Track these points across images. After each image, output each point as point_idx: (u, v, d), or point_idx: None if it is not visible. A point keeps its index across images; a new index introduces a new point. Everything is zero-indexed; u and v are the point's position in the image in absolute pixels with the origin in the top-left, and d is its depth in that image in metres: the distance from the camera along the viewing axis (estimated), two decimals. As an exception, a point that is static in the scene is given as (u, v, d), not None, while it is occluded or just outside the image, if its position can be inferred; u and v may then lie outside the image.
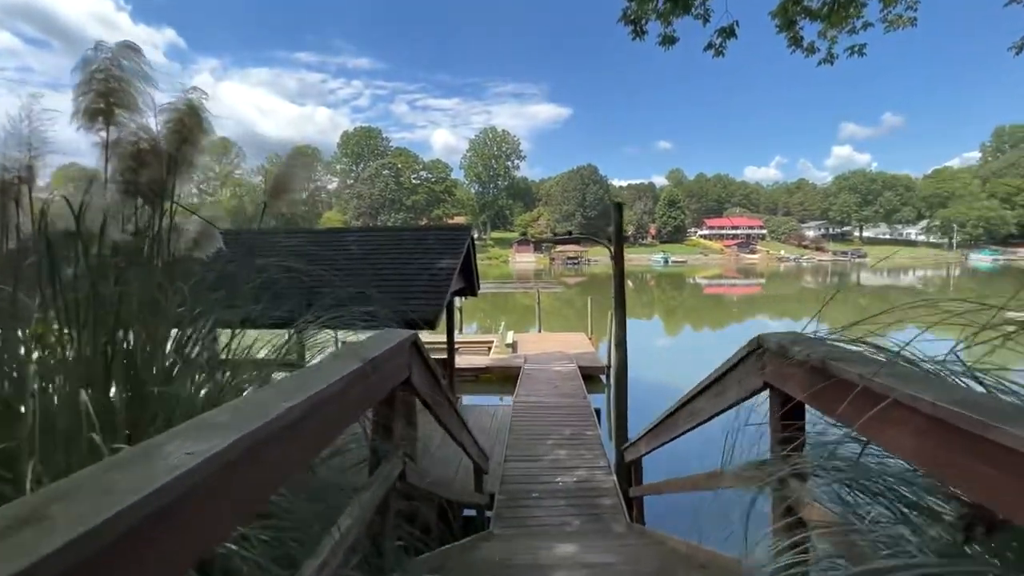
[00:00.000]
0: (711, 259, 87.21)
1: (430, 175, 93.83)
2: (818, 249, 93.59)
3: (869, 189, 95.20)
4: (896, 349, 1.41)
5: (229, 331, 2.48)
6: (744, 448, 2.01)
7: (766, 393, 1.82)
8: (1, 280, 1.69)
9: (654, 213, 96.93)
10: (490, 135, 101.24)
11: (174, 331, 2.08)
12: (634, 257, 69.74)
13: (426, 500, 2.55)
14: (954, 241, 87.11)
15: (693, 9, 6.64)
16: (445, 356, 9.36)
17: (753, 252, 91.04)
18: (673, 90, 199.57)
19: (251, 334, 2.39)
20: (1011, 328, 1.15)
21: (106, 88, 2.06)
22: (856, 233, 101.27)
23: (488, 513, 5.33)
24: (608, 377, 12.97)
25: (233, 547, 1.12)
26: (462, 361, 13.11)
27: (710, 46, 6.98)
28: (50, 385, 1.63)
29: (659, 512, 5.03)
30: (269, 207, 2.50)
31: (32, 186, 2.05)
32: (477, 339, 16.54)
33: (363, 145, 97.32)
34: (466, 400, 10.10)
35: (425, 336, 6.11)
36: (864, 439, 1.33)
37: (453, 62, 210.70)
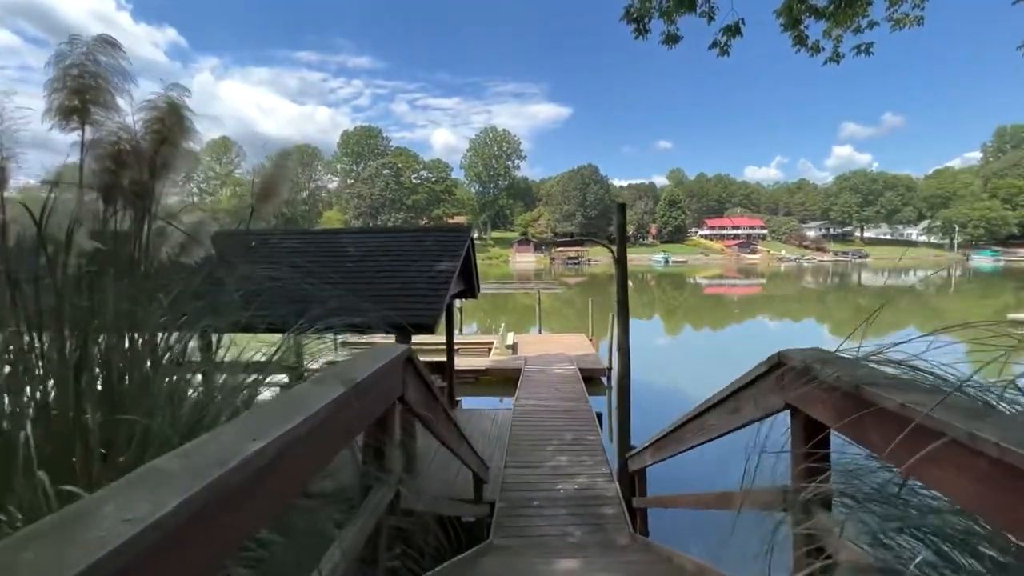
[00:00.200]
0: (712, 259, 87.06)
1: (430, 175, 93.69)
2: (819, 249, 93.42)
3: (870, 189, 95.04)
4: (935, 370, 1.28)
5: (221, 337, 2.37)
6: (759, 469, 1.89)
7: (786, 413, 1.69)
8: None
9: (655, 213, 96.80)
10: (490, 135, 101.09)
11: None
12: (634, 257, 69.54)
13: (424, 517, 2.42)
14: (955, 242, 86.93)
15: (698, 7, 6.52)
16: (444, 358, 9.25)
17: (754, 252, 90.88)
18: (673, 90, 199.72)
19: (245, 338, 2.27)
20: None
21: (81, 85, 1.94)
22: (857, 233, 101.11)
23: (489, 519, 5.21)
24: (609, 379, 12.85)
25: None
26: (462, 363, 12.98)
27: (715, 44, 6.86)
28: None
29: (664, 523, 4.90)
30: (257, 210, 2.37)
31: (4, 188, 1.93)
32: (477, 340, 16.42)
33: (363, 144, 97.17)
34: (466, 403, 9.98)
35: (424, 337, 6.02)
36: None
37: (453, 61, 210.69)
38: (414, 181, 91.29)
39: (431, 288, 5.92)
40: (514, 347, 15.08)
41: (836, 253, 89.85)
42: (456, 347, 13.78)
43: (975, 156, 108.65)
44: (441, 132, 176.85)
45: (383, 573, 1.71)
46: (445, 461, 6.05)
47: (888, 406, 1.08)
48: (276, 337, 2.24)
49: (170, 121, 1.96)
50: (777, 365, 1.65)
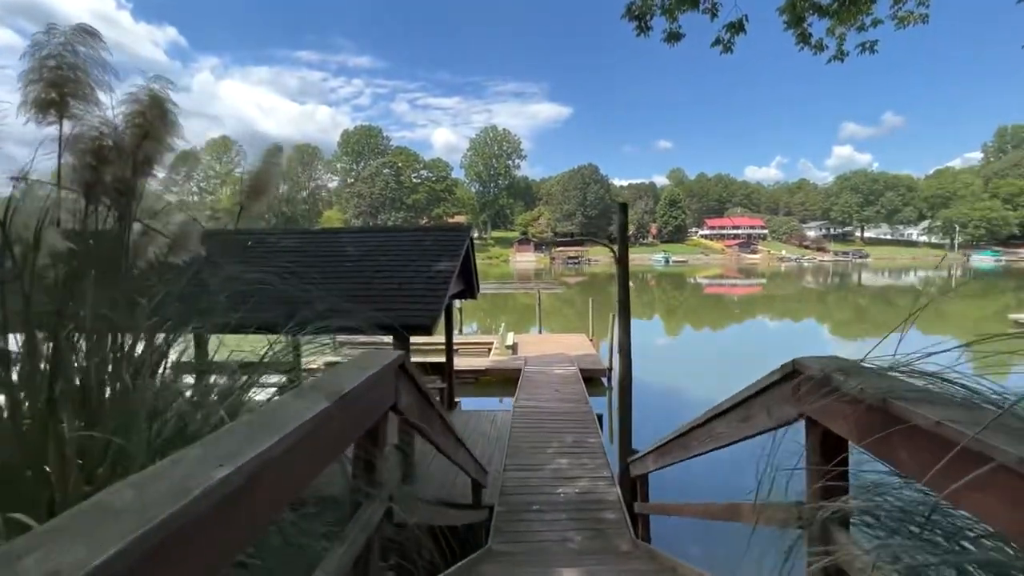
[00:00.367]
0: (712, 259, 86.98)
1: (430, 174, 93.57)
2: (819, 249, 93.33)
3: (871, 189, 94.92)
4: (966, 382, 1.19)
5: (207, 340, 2.28)
6: (769, 479, 1.80)
7: (800, 424, 1.60)
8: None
9: (655, 213, 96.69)
10: (491, 134, 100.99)
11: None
12: (635, 257, 69.10)
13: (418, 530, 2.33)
14: (956, 242, 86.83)
15: (700, 4, 6.44)
16: (443, 359, 9.16)
17: (754, 252, 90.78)
18: (674, 89, 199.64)
19: (234, 341, 2.18)
20: None
21: (58, 77, 1.84)
22: (857, 233, 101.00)
23: (488, 523, 5.12)
24: (609, 380, 12.77)
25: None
26: (461, 363, 12.90)
27: (718, 42, 6.78)
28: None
29: (667, 530, 4.82)
30: (247, 207, 2.28)
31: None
32: (477, 340, 16.33)
33: (364, 144, 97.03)
34: (465, 404, 9.88)
35: (423, 337, 5.92)
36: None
37: (454, 61, 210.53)
38: (414, 180, 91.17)
39: (429, 288, 5.82)
40: (514, 347, 14.99)
41: (836, 253, 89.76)
42: (456, 347, 13.70)
43: (976, 156, 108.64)
44: (441, 131, 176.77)
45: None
46: (443, 464, 5.96)
47: (921, 423, 0.99)
48: (271, 338, 2.15)
49: (152, 115, 1.87)
50: (792, 374, 1.55)
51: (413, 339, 5.99)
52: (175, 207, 2.66)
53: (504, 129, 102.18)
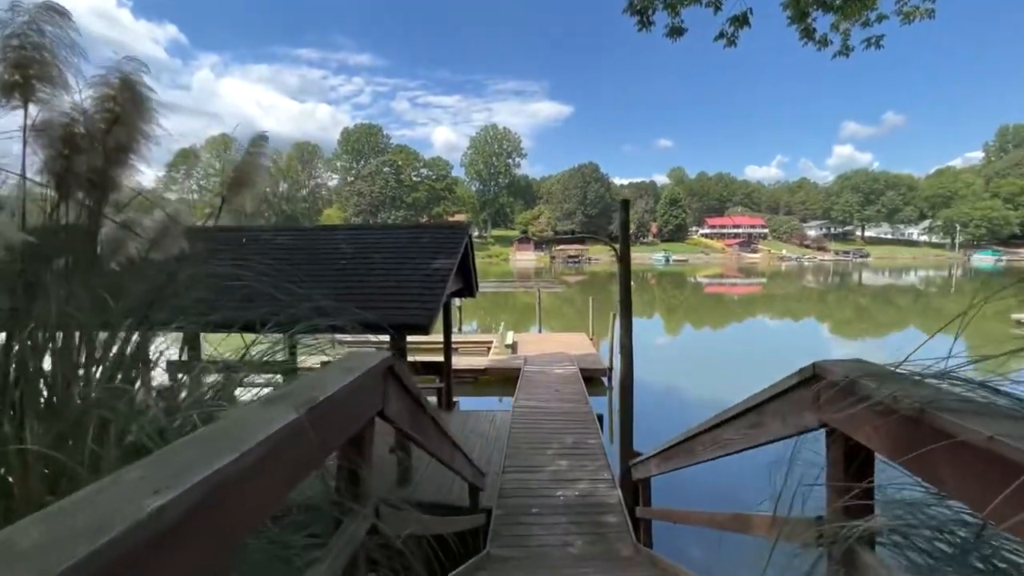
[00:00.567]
0: (712, 258, 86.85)
1: (431, 172, 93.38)
2: (820, 248, 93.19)
3: (871, 188, 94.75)
4: (1012, 391, 1.07)
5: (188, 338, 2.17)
6: (783, 490, 1.68)
7: (819, 433, 1.48)
8: None
9: (655, 211, 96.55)
10: (491, 133, 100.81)
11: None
12: (635, 256, 68.98)
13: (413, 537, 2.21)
14: (957, 241, 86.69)
15: (704, -3, 6.34)
16: (442, 358, 9.05)
17: (754, 251, 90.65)
18: (674, 88, 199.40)
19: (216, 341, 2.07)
20: None
21: (23, 57, 1.72)
22: (858, 233, 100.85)
23: (486, 527, 5.00)
24: (609, 379, 12.66)
25: None
26: (460, 362, 12.80)
27: (721, 35, 6.68)
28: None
29: (669, 535, 4.69)
30: (228, 201, 2.15)
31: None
32: (476, 339, 16.22)
33: (364, 142, 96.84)
34: (464, 404, 9.77)
35: (421, 336, 5.82)
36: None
37: (454, 59, 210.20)
38: (414, 179, 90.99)
39: (426, 287, 5.71)
40: (514, 346, 14.87)
41: (837, 252, 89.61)
42: (455, 346, 13.60)
43: (977, 156, 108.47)
44: (442, 130, 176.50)
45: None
46: (440, 466, 5.86)
47: (971, 439, 0.87)
48: (248, 338, 2.04)
49: (123, 98, 1.74)
50: (812, 378, 1.43)
51: (411, 338, 5.88)
52: (160, 201, 2.54)
53: (504, 128, 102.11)
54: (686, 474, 3.04)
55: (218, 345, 2.09)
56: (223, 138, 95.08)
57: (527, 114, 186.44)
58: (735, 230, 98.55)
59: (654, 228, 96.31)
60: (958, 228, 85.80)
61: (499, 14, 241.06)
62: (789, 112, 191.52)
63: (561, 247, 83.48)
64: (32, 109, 1.80)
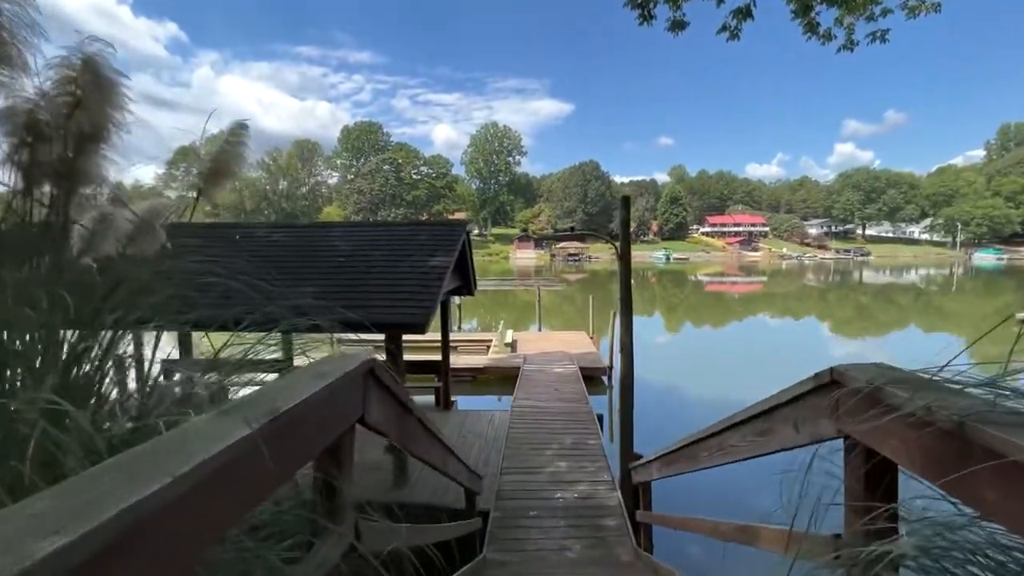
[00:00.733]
0: (713, 256, 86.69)
1: (431, 170, 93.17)
2: (820, 247, 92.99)
3: (872, 187, 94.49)
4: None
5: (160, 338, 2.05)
6: (791, 499, 1.57)
7: (835, 443, 1.36)
8: None
9: (656, 210, 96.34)
10: (491, 131, 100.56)
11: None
12: (636, 254, 68.38)
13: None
14: (958, 239, 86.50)
15: (707, -11, 6.22)
16: (440, 357, 8.94)
17: (755, 250, 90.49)
18: (675, 86, 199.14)
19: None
20: None
21: (-23, 37, 1.60)
22: (859, 231, 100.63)
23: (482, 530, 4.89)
24: (610, 378, 12.55)
25: None
26: (459, 361, 12.69)
27: (724, 28, 6.58)
28: None
29: (671, 540, 4.57)
30: (205, 193, 2.03)
31: None
32: (475, 338, 16.09)
33: (364, 140, 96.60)
34: (462, 403, 9.65)
35: (418, 335, 5.70)
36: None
37: (455, 57, 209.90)
38: (414, 177, 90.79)
39: (423, 285, 5.59)
40: (513, 345, 14.75)
41: (838, 251, 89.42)
42: (453, 344, 13.49)
43: (978, 154, 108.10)
44: (442, 128, 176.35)
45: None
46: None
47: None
48: (213, 340, 1.93)
49: (85, 81, 1.62)
50: (830, 384, 1.31)
51: (408, 336, 5.76)
52: (143, 194, 2.42)
53: (505, 126, 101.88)
54: (689, 476, 2.93)
55: (208, 344, 1.98)
56: (223, 136, 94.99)
57: (528, 112, 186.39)
58: (736, 228, 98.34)
59: (655, 226, 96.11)
60: (959, 227, 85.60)
61: (500, 11, 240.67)
62: (790, 110, 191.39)
63: (561, 245, 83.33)
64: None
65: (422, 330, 5.01)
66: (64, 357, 1.50)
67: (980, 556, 1.06)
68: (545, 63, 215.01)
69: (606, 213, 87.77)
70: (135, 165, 2.06)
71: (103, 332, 1.75)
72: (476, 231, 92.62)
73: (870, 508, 1.25)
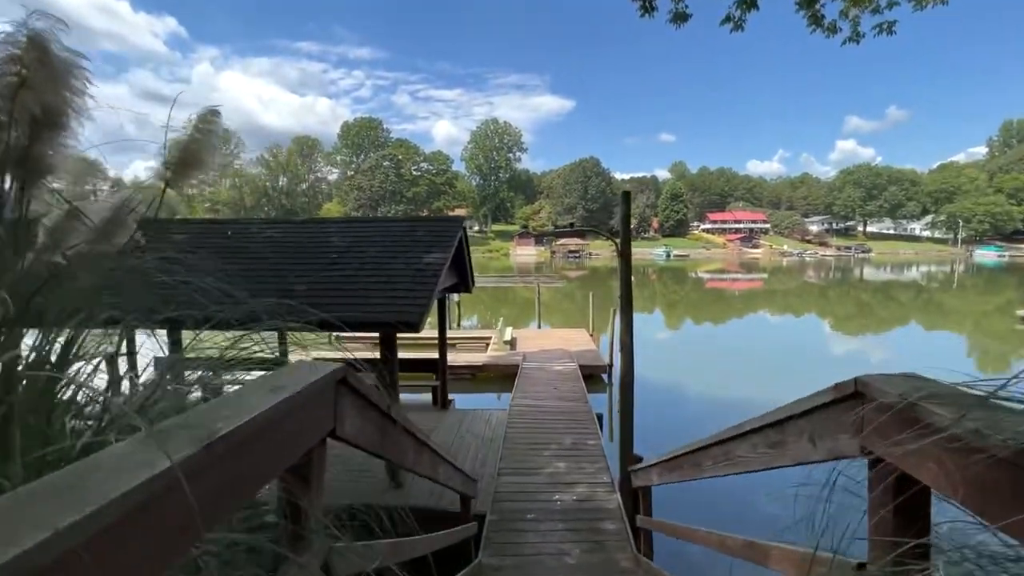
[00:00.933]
0: (713, 253, 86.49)
1: (431, 167, 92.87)
2: (821, 244, 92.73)
3: (874, 183, 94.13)
4: None
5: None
6: (800, 515, 1.44)
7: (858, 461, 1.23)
8: None
9: (656, 206, 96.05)
10: (491, 127, 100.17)
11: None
12: (636, 251, 67.98)
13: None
14: (959, 237, 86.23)
15: (710, -22, 6.07)
16: (437, 355, 8.80)
17: (756, 247, 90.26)
18: (676, 83, 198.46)
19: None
20: None
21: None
22: (860, 228, 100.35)
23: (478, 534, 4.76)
24: (610, 376, 12.43)
25: None
26: (458, 358, 12.58)
27: (728, 19, 6.45)
28: None
29: (673, 544, 4.43)
30: (173, 184, 1.89)
31: None
32: (474, 335, 15.97)
33: (364, 136, 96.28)
34: (460, 402, 9.52)
35: (414, 333, 5.57)
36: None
37: (455, 52, 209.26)
38: (414, 173, 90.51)
39: (418, 282, 5.45)
40: (512, 342, 14.62)
41: (839, 248, 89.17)
42: (452, 342, 13.37)
43: (980, 151, 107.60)
44: (443, 124, 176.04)
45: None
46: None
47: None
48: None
49: (30, 59, 1.48)
50: (853, 396, 1.17)
51: (405, 333, 5.63)
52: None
53: (505, 122, 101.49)
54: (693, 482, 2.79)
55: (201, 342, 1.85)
56: (222, 132, 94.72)
57: (528, 108, 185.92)
58: (736, 225, 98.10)
59: (655, 223, 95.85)
60: (961, 224, 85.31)
61: (501, 7, 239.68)
62: (792, 106, 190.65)
63: (562, 242, 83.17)
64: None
65: (416, 328, 4.88)
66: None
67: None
68: (546, 58, 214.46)
69: (606, 210, 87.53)
70: (89, 149, 1.91)
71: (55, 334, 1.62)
72: (476, 228, 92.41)
73: (896, 530, 1.11)
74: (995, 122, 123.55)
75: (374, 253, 6.08)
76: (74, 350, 1.68)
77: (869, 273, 57.40)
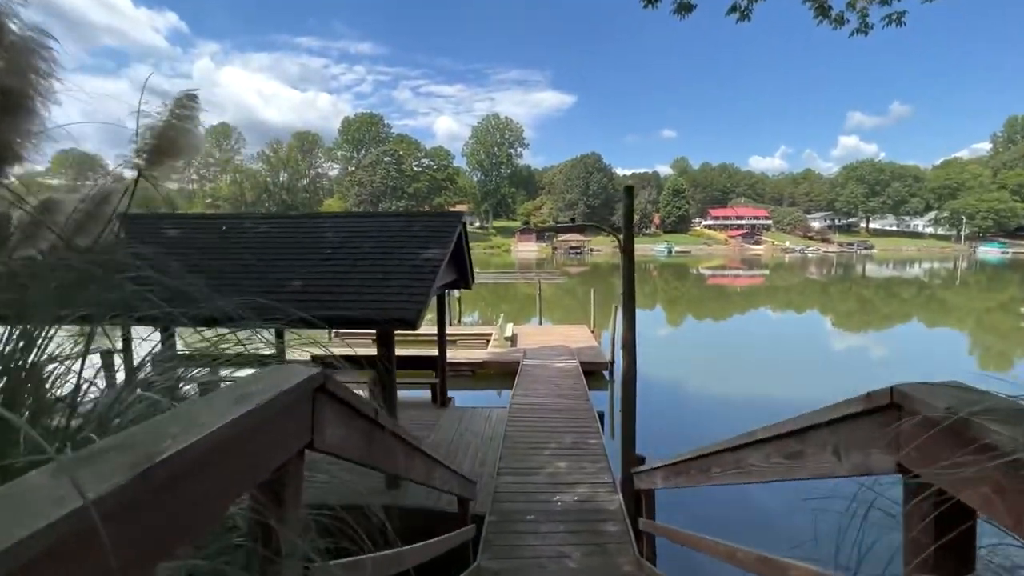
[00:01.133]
0: (715, 249, 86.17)
1: (432, 163, 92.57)
2: (823, 240, 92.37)
3: (877, 179, 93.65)
4: None
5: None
6: (822, 531, 1.32)
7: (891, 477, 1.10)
8: None
9: (658, 202, 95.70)
10: (492, 122, 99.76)
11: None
12: (637, 247, 66.37)
13: None
14: (962, 233, 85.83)
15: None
16: (436, 352, 8.69)
17: (758, 243, 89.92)
18: (679, 77, 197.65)
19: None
20: None
21: None
22: (863, 224, 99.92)
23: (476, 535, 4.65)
24: (611, 373, 12.32)
25: None
26: (458, 355, 12.48)
27: (734, 9, 6.34)
28: None
29: (675, 546, 4.32)
30: (148, 173, 1.77)
31: None
32: (474, 331, 15.85)
33: (364, 132, 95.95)
34: (461, 399, 9.41)
35: (411, 330, 5.47)
36: None
37: (456, 48, 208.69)
38: (415, 169, 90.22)
39: (415, 278, 5.32)
40: (513, 339, 14.51)
41: (841, 244, 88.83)
42: (452, 338, 13.26)
43: (985, 147, 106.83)
44: (444, 120, 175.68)
45: None
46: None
47: None
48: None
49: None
50: (888, 407, 1.05)
51: (403, 330, 5.51)
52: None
53: (506, 117, 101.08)
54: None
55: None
56: (223, 127, 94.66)
57: (530, 104, 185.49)
58: (738, 221, 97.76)
59: (657, 219, 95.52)
60: (964, 220, 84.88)
61: (502, 2, 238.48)
62: (794, 102, 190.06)
63: (563, 238, 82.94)
64: None
65: (413, 326, 4.75)
66: None
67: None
68: (547, 54, 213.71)
69: (608, 206, 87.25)
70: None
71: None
72: (477, 224, 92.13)
73: (938, 563, 0.99)
74: (999, 118, 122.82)
75: (370, 249, 5.95)
76: (34, 352, 1.57)
77: (871, 270, 57.16)
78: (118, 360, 1.91)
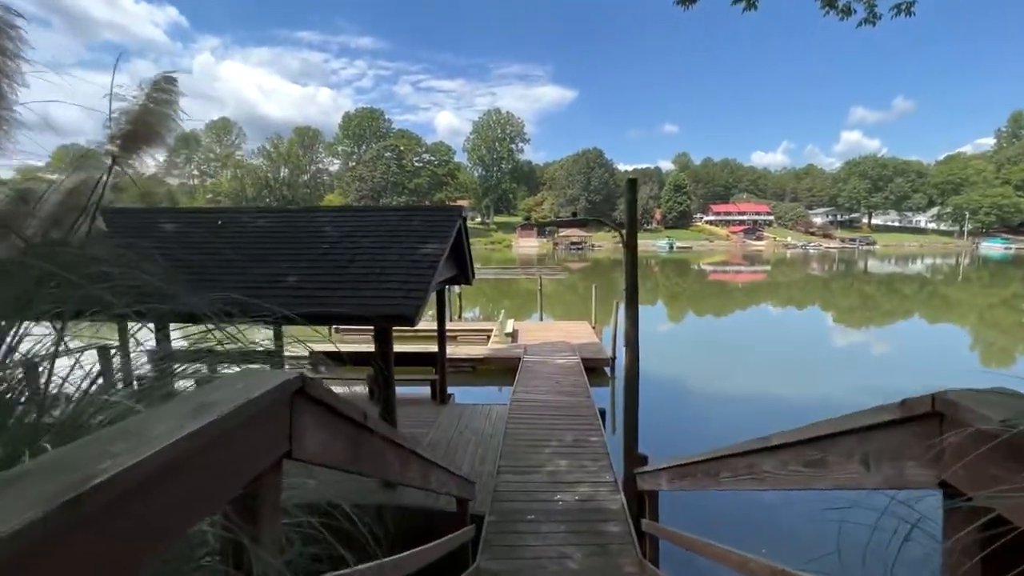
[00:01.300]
0: (717, 245, 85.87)
1: (433, 158, 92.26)
2: (826, 236, 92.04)
3: (879, 175, 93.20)
4: None
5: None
6: (845, 546, 1.22)
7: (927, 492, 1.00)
8: None
9: (660, 198, 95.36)
10: (493, 117, 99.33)
11: None
12: (639, 242, 66.41)
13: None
14: (965, 229, 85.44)
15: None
16: (435, 348, 8.60)
17: (759, 239, 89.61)
18: (680, 73, 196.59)
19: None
20: None
21: None
22: (865, 220, 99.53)
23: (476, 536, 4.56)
24: (612, 369, 12.22)
25: None
26: (459, 351, 12.39)
27: (739, -1, 6.16)
28: None
29: (680, 549, 4.23)
30: (121, 160, 1.66)
31: None
32: (475, 327, 15.76)
33: (365, 127, 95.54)
34: (461, 396, 9.32)
35: (409, 327, 5.37)
36: None
37: (457, 42, 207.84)
38: (416, 164, 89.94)
39: (414, 273, 5.22)
40: (514, 335, 14.42)
41: (843, 240, 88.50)
42: (452, 334, 13.17)
43: (988, 142, 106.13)
44: (444, 115, 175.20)
45: None
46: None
47: None
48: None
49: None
50: (929, 416, 0.94)
51: (402, 326, 5.41)
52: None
53: (507, 112, 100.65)
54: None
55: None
56: (223, 122, 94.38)
57: (531, 99, 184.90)
58: (740, 217, 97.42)
59: (658, 215, 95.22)
60: (967, 216, 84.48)
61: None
62: (797, 97, 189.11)
63: (564, 233, 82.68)
64: None
65: (411, 322, 4.65)
66: None
67: None
68: (548, 49, 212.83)
69: (609, 201, 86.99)
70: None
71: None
72: (479, 219, 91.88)
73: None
74: (1003, 113, 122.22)
75: (368, 243, 5.84)
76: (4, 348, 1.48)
77: (873, 265, 56.93)
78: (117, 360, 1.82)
